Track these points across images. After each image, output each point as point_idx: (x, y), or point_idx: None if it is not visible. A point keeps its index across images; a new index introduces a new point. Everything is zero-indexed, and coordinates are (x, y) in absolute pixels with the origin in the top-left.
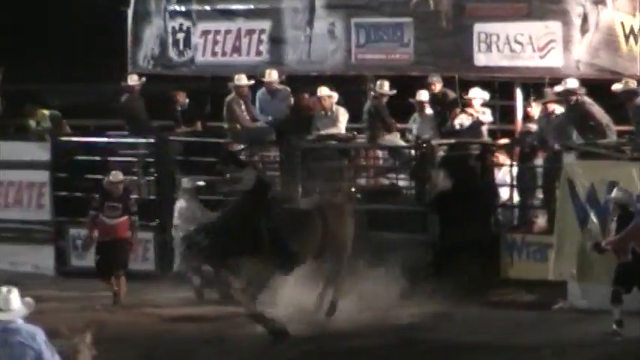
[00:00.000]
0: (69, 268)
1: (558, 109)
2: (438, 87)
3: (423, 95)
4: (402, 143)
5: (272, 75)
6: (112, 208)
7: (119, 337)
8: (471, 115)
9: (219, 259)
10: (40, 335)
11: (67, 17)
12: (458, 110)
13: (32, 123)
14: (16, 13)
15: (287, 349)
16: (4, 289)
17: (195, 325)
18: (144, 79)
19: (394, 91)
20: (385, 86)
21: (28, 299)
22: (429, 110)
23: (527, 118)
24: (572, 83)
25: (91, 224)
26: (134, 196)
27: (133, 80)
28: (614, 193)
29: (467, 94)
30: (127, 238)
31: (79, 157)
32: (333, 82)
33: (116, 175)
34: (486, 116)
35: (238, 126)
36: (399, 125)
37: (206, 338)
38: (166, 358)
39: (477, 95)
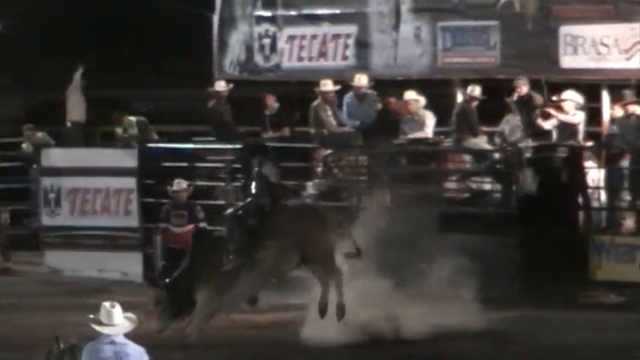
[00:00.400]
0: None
1: (639, 111)
2: (524, 90)
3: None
4: (488, 147)
5: (362, 80)
6: (178, 216)
7: (207, 342)
8: (557, 117)
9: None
10: (146, 355)
11: (153, 24)
12: (539, 112)
13: (119, 130)
14: (103, 22)
15: (376, 354)
16: (108, 303)
17: (280, 331)
18: (231, 85)
19: (484, 96)
20: (477, 91)
21: (131, 315)
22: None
23: (612, 120)
24: None
25: (162, 236)
26: (222, 202)
27: (220, 86)
28: None
29: (555, 96)
30: None
31: (166, 164)
32: (419, 85)
33: (179, 184)
34: (577, 117)
35: (325, 131)
36: (484, 128)
37: (293, 343)
38: None
39: (571, 97)
